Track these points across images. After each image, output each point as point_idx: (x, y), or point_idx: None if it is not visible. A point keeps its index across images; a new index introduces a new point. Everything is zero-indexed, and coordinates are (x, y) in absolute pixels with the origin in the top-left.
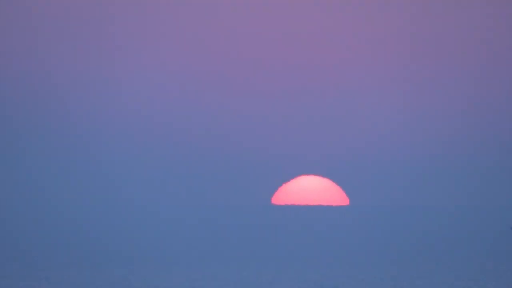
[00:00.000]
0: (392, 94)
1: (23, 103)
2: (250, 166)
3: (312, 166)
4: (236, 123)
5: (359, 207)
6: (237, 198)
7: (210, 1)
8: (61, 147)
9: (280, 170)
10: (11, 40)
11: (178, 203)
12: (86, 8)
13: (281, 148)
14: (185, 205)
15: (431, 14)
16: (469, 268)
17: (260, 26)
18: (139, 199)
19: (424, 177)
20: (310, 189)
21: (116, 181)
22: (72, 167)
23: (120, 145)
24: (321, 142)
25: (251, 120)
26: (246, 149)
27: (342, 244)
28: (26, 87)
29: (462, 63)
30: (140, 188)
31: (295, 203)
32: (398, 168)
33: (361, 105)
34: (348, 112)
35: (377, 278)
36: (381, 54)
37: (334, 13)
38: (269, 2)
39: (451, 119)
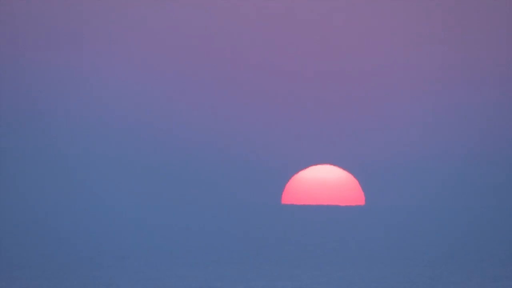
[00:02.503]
0: (423, 95)
1: (23, 103)
2: (258, 162)
3: (326, 156)
4: (241, 117)
5: (375, 208)
6: (244, 197)
7: (208, 2)
8: (59, 148)
9: (293, 161)
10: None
11: (183, 204)
12: (80, 8)
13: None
14: (189, 206)
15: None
16: (495, 272)
17: (270, 24)
18: (144, 200)
19: (448, 178)
20: (323, 184)
21: (122, 181)
22: (72, 168)
23: (128, 145)
24: (337, 135)
25: (260, 114)
26: (255, 142)
27: (358, 247)
28: (20, 88)
29: (493, 65)
30: (146, 188)
31: (306, 202)
32: (420, 168)
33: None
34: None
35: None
36: (417, 54)
37: (334, 13)
38: (267, 4)
39: (479, 122)
